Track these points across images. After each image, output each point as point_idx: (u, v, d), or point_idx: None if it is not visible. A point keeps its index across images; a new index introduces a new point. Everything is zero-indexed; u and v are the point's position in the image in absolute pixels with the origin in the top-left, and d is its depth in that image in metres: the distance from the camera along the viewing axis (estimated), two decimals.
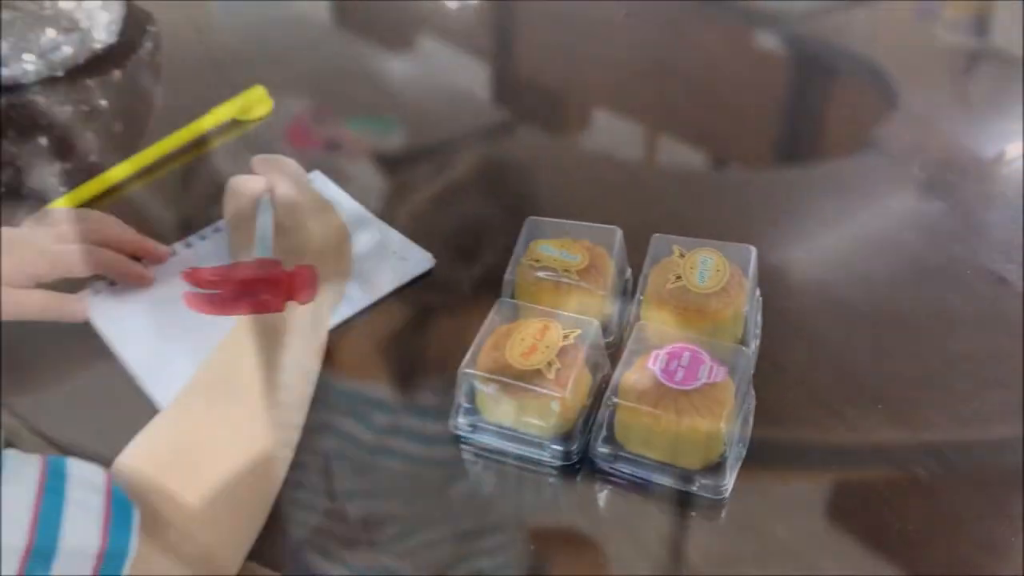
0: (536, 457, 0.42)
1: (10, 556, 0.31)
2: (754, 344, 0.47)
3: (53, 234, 0.50)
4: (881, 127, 0.68)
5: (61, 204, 0.58)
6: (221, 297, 0.45)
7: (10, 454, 0.34)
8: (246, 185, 0.52)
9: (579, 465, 0.42)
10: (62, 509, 0.33)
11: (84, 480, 0.35)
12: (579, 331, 0.43)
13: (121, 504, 0.35)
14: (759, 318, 0.48)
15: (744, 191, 0.61)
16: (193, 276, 0.47)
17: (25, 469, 0.34)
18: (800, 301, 0.51)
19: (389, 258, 0.54)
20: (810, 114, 0.71)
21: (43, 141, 0.68)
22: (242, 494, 0.40)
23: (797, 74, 0.77)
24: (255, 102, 0.66)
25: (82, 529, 0.33)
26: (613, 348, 0.46)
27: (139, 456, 0.39)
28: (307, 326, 0.46)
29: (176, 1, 0.85)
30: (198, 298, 0.45)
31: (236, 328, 0.45)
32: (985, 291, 0.52)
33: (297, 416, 0.44)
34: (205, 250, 0.55)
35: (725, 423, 0.39)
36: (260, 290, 0.44)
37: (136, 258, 0.53)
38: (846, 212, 0.59)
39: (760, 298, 0.49)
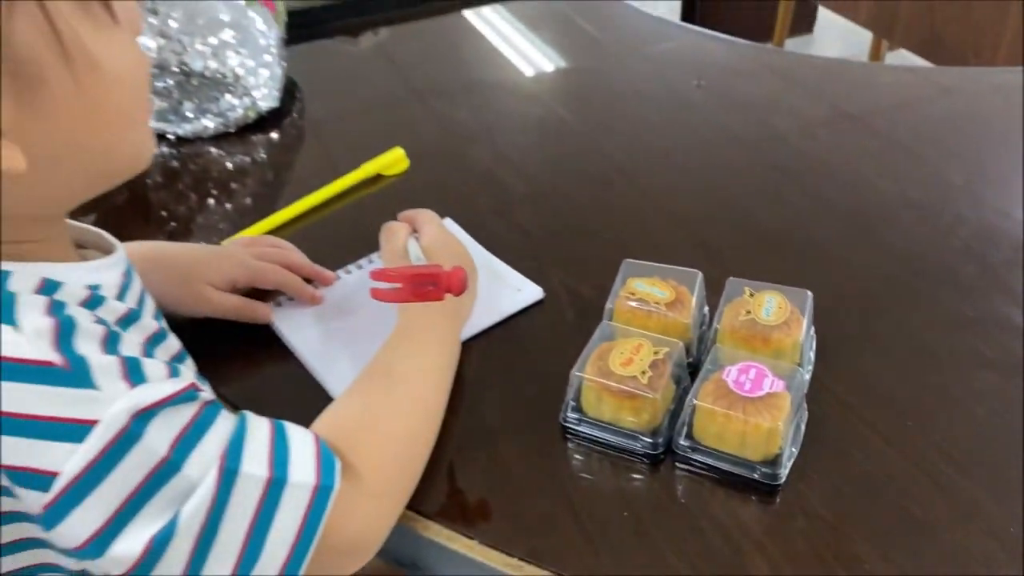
0: (630, 448, 0.54)
1: (255, 484, 0.43)
2: (808, 368, 0.57)
3: (251, 252, 0.64)
4: (926, 193, 0.78)
5: (250, 232, 0.72)
6: (399, 290, 0.57)
7: (247, 414, 0.46)
8: (399, 227, 0.65)
9: (663, 455, 0.53)
10: (288, 453, 0.45)
11: (299, 433, 0.47)
12: (667, 349, 0.54)
13: (326, 453, 0.47)
14: (813, 348, 0.59)
15: (802, 244, 0.72)
16: (380, 274, 0.59)
17: (258, 423, 0.46)
18: (849, 339, 0.62)
19: (507, 290, 0.66)
20: (861, 180, 0.81)
21: (214, 186, 0.83)
22: (406, 455, 0.52)
23: (855, 144, 0.87)
24: (395, 161, 0.80)
25: (301, 468, 0.45)
26: (692, 367, 0.57)
27: (327, 425, 0.51)
28: (449, 336, 0.59)
29: (327, 74, 1.01)
30: (383, 292, 0.58)
31: (393, 335, 0.57)
32: (1007, 340, 0.62)
33: (440, 405, 0.56)
34: (361, 276, 0.68)
35: (782, 424, 0.50)
36: (427, 284, 0.57)
37: (308, 280, 0.66)
38: (888, 263, 0.69)
39: (815, 334, 0.60)
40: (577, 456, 0.55)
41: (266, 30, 0.89)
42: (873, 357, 0.61)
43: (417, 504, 0.51)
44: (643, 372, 0.53)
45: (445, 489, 0.53)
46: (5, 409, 0.39)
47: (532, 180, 0.81)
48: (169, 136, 0.87)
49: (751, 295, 0.58)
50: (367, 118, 0.92)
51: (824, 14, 2.55)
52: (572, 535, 0.50)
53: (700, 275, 0.60)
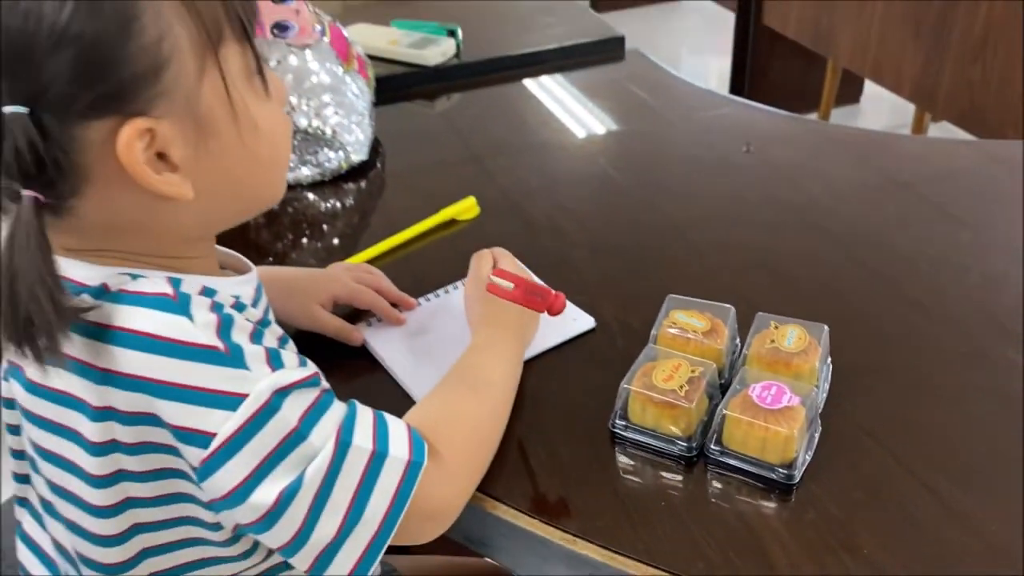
0: (668, 450, 0.63)
1: (362, 454, 0.54)
2: (824, 389, 0.67)
3: (350, 275, 0.76)
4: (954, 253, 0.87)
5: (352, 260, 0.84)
6: (512, 291, 0.69)
7: (355, 401, 0.57)
8: (486, 255, 0.76)
9: (696, 458, 0.63)
10: (387, 433, 0.56)
11: (394, 420, 0.58)
12: (702, 369, 0.64)
13: (416, 436, 0.57)
14: (829, 375, 0.68)
15: (829, 292, 0.82)
16: (501, 273, 0.71)
17: (363, 409, 0.57)
18: (862, 369, 0.71)
19: (563, 319, 0.76)
20: (894, 241, 0.90)
21: (308, 227, 0.96)
22: (479, 445, 0.62)
23: (893, 209, 0.96)
24: (468, 208, 0.92)
25: (398, 445, 0.56)
26: (724, 387, 0.67)
27: (416, 417, 0.62)
28: (516, 354, 0.69)
29: (408, 133, 1.14)
30: (499, 288, 0.70)
31: (470, 350, 0.68)
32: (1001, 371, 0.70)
33: (506, 408, 0.66)
34: (437, 303, 0.79)
35: (797, 432, 0.59)
36: (535, 295, 0.68)
37: (394, 304, 0.78)
38: (905, 309, 0.78)
39: (831, 364, 0.69)
40: (623, 457, 0.64)
41: (359, 94, 1.02)
42: (882, 385, 0.70)
43: (488, 489, 0.62)
44: (681, 386, 0.63)
45: (512, 478, 0.63)
46: (179, 381, 0.51)
47: (587, 229, 0.92)
48: None
49: (776, 327, 0.68)
50: (441, 171, 1.05)
51: (870, 85, 2.65)
52: (617, 519, 0.59)
53: (733, 309, 0.70)
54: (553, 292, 0.70)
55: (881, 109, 3.11)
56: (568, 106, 1.19)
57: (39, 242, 0.48)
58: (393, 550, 0.56)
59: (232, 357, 0.52)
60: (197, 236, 0.58)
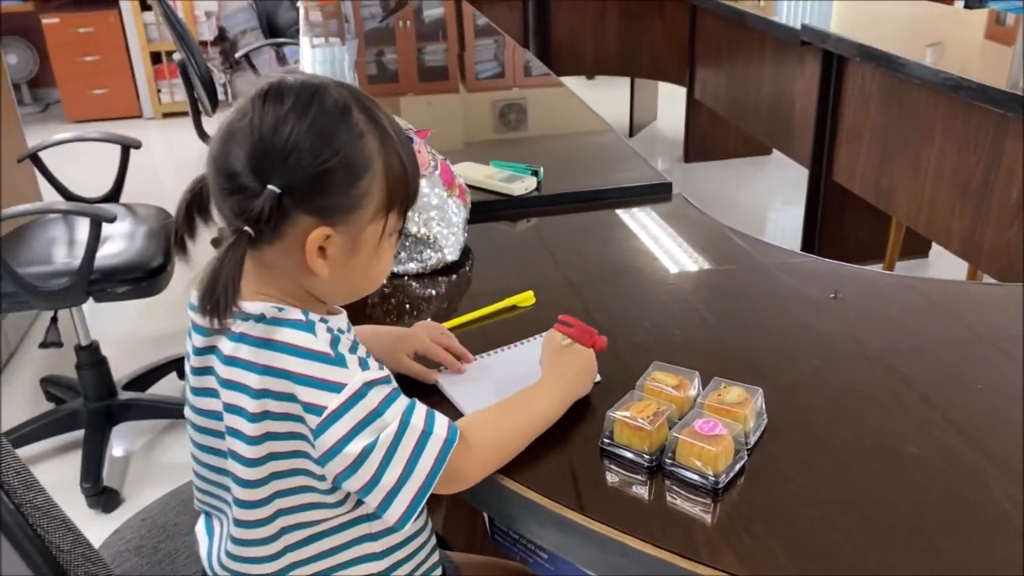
0: (637, 461, 0.91)
1: (415, 431, 0.84)
2: (758, 432, 0.93)
3: (428, 334, 1.09)
4: None
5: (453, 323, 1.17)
6: (572, 330, 1.00)
7: (415, 399, 0.88)
8: (555, 332, 1.06)
9: (656, 467, 0.90)
10: (434, 420, 0.87)
11: (440, 415, 0.88)
12: (665, 408, 0.93)
13: (453, 426, 0.87)
14: (762, 427, 0.95)
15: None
16: (566, 318, 1.03)
17: (420, 405, 0.88)
18: (790, 425, 0.97)
19: None
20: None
21: (411, 306, 1.29)
22: (502, 446, 0.91)
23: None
24: (526, 298, 1.24)
25: (440, 428, 0.86)
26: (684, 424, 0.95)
27: (471, 416, 0.93)
28: (562, 403, 0.98)
29: (492, 245, 1.48)
30: (564, 329, 1.01)
31: (532, 388, 0.98)
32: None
33: (534, 433, 0.95)
34: (492, 360, 1.10)
35: (721, 451, 0.87)
36: (587, 334, 1.00)
37: (457, 357, 1.09)
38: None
39: (766, 417, 0.96)
40: (607, 463, 0.92)
41: (457, 212, 1.37)
42: (804, 437, 0.96)
43: (507, 471, 0.91)
44: (648, 418, 0.91)
45: (525, 469, 0.92)
46: (308, 373, 0.83)
47: (646, 330, 1.22)
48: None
49: (725, 387, 0.96)
50: (513, 272, 1.37)
51: None
52: (597, 499, 0.87)
53: (697, 373, 0.99)
54: (598, 334, 1.01)
55: (949, 262, 3.30)
56: (657, 238, 1.51)
57: (240, 259, 0.82)
58: (441, 541, 0.86)
59: (338, 360, 0.84)
60: (319, 297, 0.92)
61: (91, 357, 2.33)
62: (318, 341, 0.84)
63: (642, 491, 0.89)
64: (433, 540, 1.03)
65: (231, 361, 0.86)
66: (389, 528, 0.94)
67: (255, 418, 0.85)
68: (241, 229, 0.82)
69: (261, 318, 0.85)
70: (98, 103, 5.33)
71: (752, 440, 0.93)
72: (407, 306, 1.29)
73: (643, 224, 1.55)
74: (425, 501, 0.86)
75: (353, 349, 0.88)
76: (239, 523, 0.91)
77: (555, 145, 2.06)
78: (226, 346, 0.87)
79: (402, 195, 0.90)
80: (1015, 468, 0.89)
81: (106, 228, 2.06)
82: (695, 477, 0.88)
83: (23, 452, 2.35)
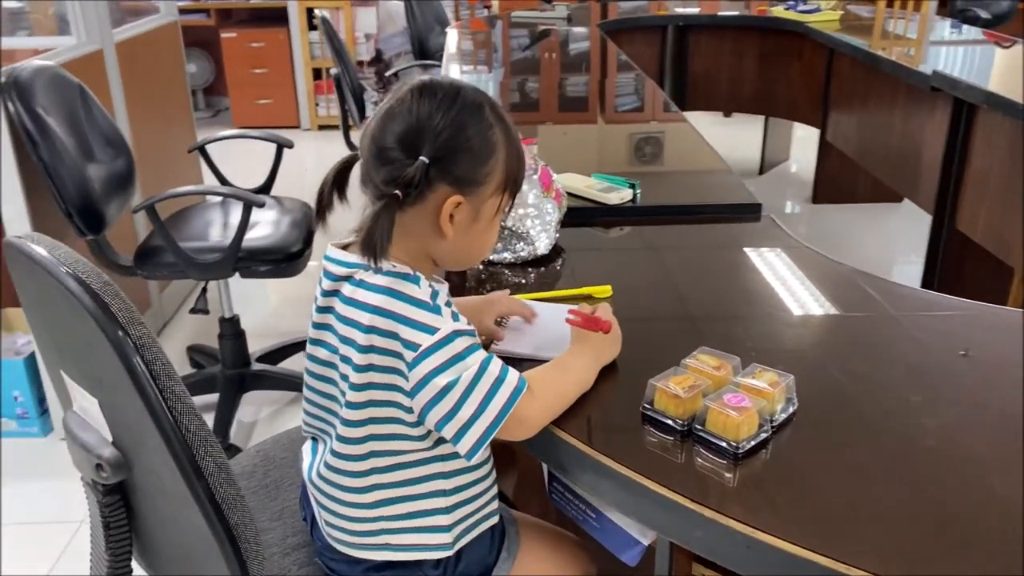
0: (671, 425, 1.03)
1: (491, 376, 1.00)
2: (785, 413, 1.04)
3: (504, 301, 1.25)
4: None
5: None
6: (577, 321, 1.14)
7: (493, 354, 1.04)
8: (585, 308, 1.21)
9: (688, 432, 1.02)
10: (508, 371, 1.02)
11: (513, 369, 1.03)
12: (705, 383, 1.05)
13: (522, 377, 1.03)
14: (791, 408, 1.05)
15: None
16: (575, 313, 1.16)
17: (497, 359, 1.03)
18: (824, 418, 1.07)
19: None
20: None
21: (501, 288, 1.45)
22: (557, 398, 1.06)
23: None
24: (603, 291, 1.38)
25: (512, 377, 1.02)
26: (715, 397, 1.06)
27: (531, 372, 1.07)
28: (595, 366, 1.13)
29: (583, 246, 1.63)
30: (573, 321, 1.15)
31: (568, 354, 1.12)
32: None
33: (579, 390, 1.09)
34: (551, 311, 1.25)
35: (744, 421, 0.98)
36: (593, 323, 1.14)
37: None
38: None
39: (796, 403, 1.06)
40: (646, 427, 1.05)
41: (551, 212, 1.53)
42: (830, 422, 1.05)
43: (569, 430, 1.05)
44: (684, 388, 1.03)
45: (579, 424, 1.05)
46: (411, 315, 1.00)
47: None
48: (485, 259, 1.52)
49: (759, 371, 1.07)
50: (595, 269, 1.51)
51: None
52: (637, 452, 1.00)
53: (737, 358, 1.10)
54: (604, 321, 1.15)
55: None
56: (703, 243, 1.63)
57: (391, 217, 1.01)
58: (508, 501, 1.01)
59: (435, 309, 1.01)
60: (434, 260, 1.10)
61: (232, 329, 2.61)
62: (420, 291, 1.02)
63: (672, 450, 1.01)
64: (494, 491, 1.17)
65: (350, 301, 1.04)
66: (459, 469, 1.10)
67: (363, 350, 1.02)
68: (392, 193, 1.01)
69: (379, 270, 1.03)
70: (262, 112, 5.82)
71: (779, 419, 1.04)
72: (503, 287, 1.45)
73: (726, 237, 1.66)
74: (492, 437, 1.01)
75: (448, 303, 1.05)
76: (340, 438, 1.09)
77: (670, 175, 2.19)
78: (347, 289, 1.05)
79: (515, 180, 1.10)
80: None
81: (256, 214, 2.33)
82: (719, 442, 0.99)
83: None
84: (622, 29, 4.50)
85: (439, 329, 1.00)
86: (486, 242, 1.13)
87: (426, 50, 4.44)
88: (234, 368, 2.64)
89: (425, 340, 0.99)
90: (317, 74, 5.82)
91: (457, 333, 1.01)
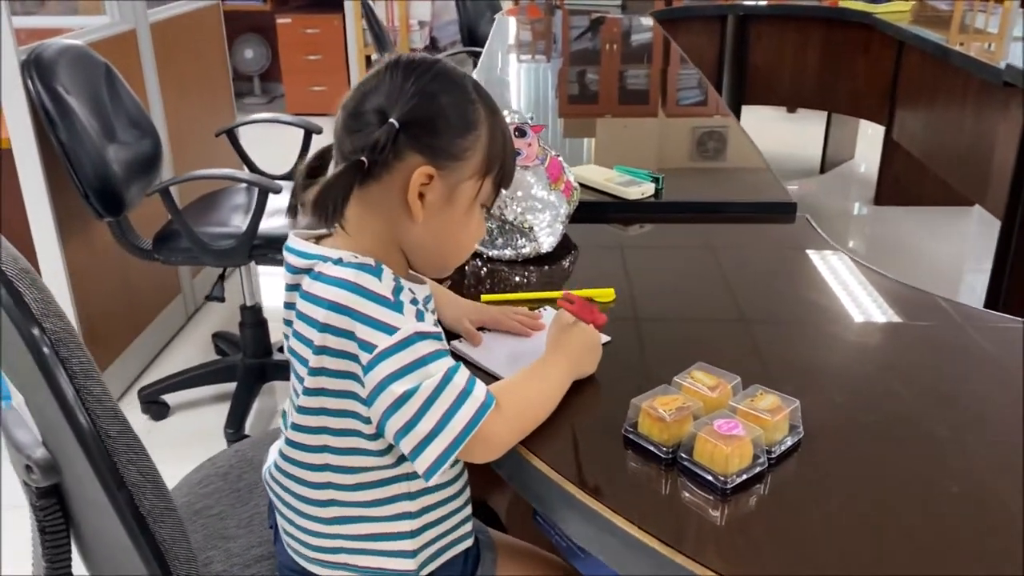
0: (656, 453, 0.91)
1: (456, 388, 0.89)
2: (787, 443, 0.90)
3: (486, 311, 1.14)
4: None
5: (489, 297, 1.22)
6: (572, 306, 1.04)
7: (461, 363, 0.93)
8: (563, 313, 1.09)
9: (672, 461, 0.90)
10: (474, 383, 0.91)
11: (480, 381, 0.92)
12: (695, 405, 0.92)
13: (490, 392, 0.91)
14: (796, 438, 0.92)
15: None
16: (568, 297, 1.06)
17: (464, 368, 0.92)
18: (830, 445, 0.93)
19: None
20: None
21: (503, 289, 1.34)
22: (527, 413, 0.94)
23: None
24: (606, 294, 1.26)
25: (479, 391, 0.90)
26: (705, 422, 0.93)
27: (499, 384, 0.96)
28: (568, 376, 1.01)
29: (594, 244, 1.51)
30: (566, 305, 1.05)
31: (541, 361, 1.01)
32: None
33: (552, 403, 0.97)
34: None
35: (734, 451, 0.85)
36: (586, 310, 1.03)
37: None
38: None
39: (802, 431, 0.93)
40: (629, 452, 0.93)
41: (558, 207, 1.41)
42: (835, 449, 0.92)
43: (532, 446, 0.93)
44: (670, 410, 0.91)
45: (552, 447, 0.94)
46: (368, 313, 0.89)
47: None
48: (485, 255, 1.41)
49: (761, 393, 0.94)
50: (607, 273, 1.39)
51: None
52: (610, 481, 0.88)
53: (738, 378, 0.97)
54: (600, 314, 1.04)
55: None
56: (730, 247, 1.49)
57: (349, 183, 0.92)
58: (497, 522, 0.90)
59: (396, 306, 0.90)
60: (401, 250, 0.99)
61: (253, 317, 2.55)
62: (381, 286, 0.91)
63: (653, 481, 0.89)
64: (467, 512, 1.06)
65: (306, 296, 0.94)
66: (426, 489, 0.99)
67: (317, 351, 0.92)
68: (357, 160, 0.92)
69: (339, 261, 0.93)
70: (315, 99, 5.80)
71: (778, 450, 0.90)
72: (497, 290, 1.34)
73: (754, 239, 1.52)
74: (453, 457, 0.90)
75: (414, 302, 0.94)
76: (291, 443, 0.99)
77: (702, 171, 2.05)
78: (305, 283, 0.95)
79: (499, 167, 1.00)
80: None
81: (277, 201, 2.26)
82: (705, 475, 0.87)
83: (187, 394, 2.62)
84: (679, 18, 4.33)
85: (399, 329, 0.89)
86: (464, 239, 1.02)
87: (476, 37, 4.34)
88: (255, 357, 2.58)
89: (383, 341, 0.89)
90: (370, 61, 5.77)
91: (420, 335, 0.90)
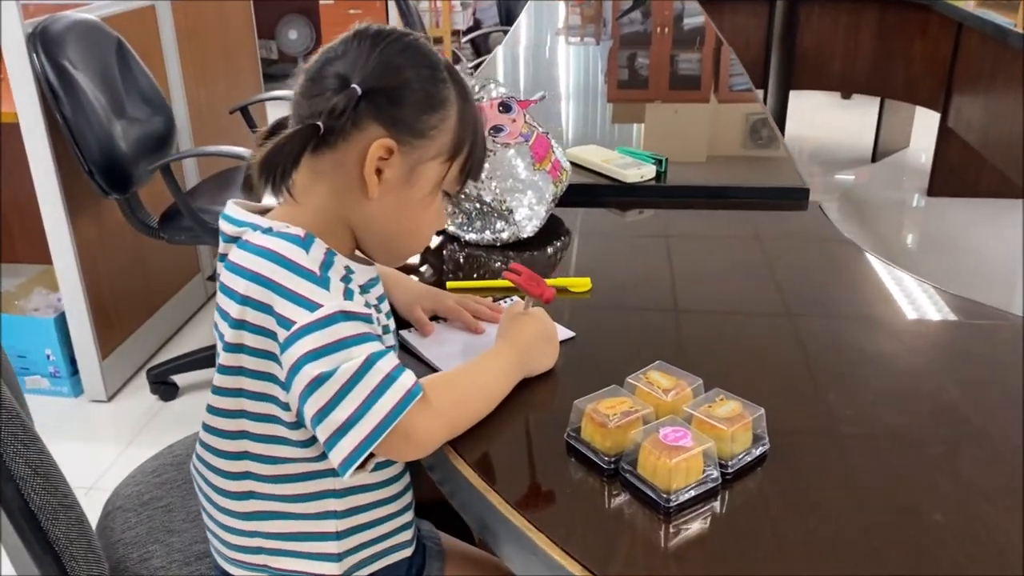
0: (597, 463, 0.81)
1: (379, 373, 0.79)
2: (748, 457, 0.80)
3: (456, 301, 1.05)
4: None
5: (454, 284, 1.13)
6: (520, 278, 0.95)
7: (391, 349, 0.84)
8: (516, 303, 0.99)
9: (615, 472, 0.80)
10: (402, 370, 0.81)
11: (409, 370, 0.83)
12: (644, 409, 0.82)
13: (418, 383, 0.82)
14: (758, 452, 0.81)
15: None
16: (516, 268, 0.98)
17: (393, 354, 0.83)
18: (794, 451, 0.82)
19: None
20: None
21: (478, 273, 1.25)
22: (461, 409, 0.85)
23: None
24: (581, 284, 1.16)
25: (406, 379, 0.80)
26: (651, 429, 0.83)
27: (434, 375, 0.87)
28: (515, 374, 0.92)
29: (590, 230, 1.40)
30: (512, 276, 0.97)
31: (488, 354, 0.92)
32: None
33: (493, 401, 0.88)
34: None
35: (681, 469, 0.75)
36: (533, 282, 0.95)
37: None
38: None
39: (767, 441, 0.82)
40: (572, 459, 0.83)
41: (543, 188, 1.31)
42: (803, 477, 0.81)
43: (460, 448, 0.84)
44: (615, 415, 0.81)
45: (486, 451, 0.85)
46: (289, 286, 0.81)
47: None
48: (462, 239, 1.32)
49: (721, 399, 0.83)
50: (591, 261, 1.29)
51: None
52: (540, 493, 0.79)
53: (700, 380, 0.86)
54: (547, 284, 0.95)
55: None
56: (734, 236, 1.37)
57: (300, 147, 0.84)
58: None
59: (321, 281, 0.82)
60: (350, 229, 0.91)
61: None
62: (308, 258, 0.83)
63: (591, 495, 0.79)
64: (408, 516, 0.97)
65: (229, 266, 0.87)
66: (355, 487, 0.91)
67: (235, 324, 0.84)
68: (312, 124, 0.84)
69: (268, 230, 0.86)
70: None
71: (737, 464, 0.80)
72: (471, 275, 1.25)
73: (758, 226, 1.40)
74: (370, 451, 0.81)
75: (346, 280, 0.85)
76: (207, 427, 0.92)
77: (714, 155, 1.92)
78: (232, 252, 0.88)
79: (466, 153, 0.92)
80: None
81: None
82: (647, 491, 0.77)
83: (198, 375, 2.59)
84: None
85: (321, 306, 0.80)
86: (420, 225, 0.93)
87: (513, 18, 4.24)
88: None
89: (302, 317, 0.80)
90: None
91: (345, 315, 0.81)
